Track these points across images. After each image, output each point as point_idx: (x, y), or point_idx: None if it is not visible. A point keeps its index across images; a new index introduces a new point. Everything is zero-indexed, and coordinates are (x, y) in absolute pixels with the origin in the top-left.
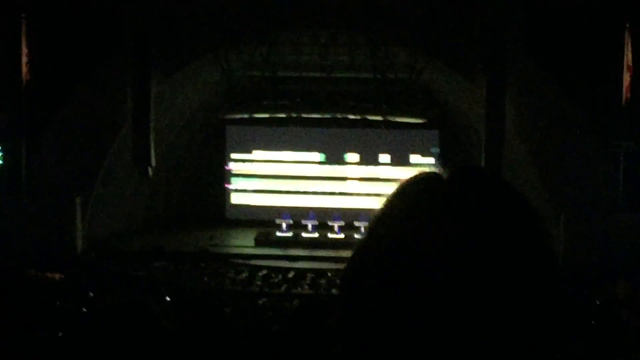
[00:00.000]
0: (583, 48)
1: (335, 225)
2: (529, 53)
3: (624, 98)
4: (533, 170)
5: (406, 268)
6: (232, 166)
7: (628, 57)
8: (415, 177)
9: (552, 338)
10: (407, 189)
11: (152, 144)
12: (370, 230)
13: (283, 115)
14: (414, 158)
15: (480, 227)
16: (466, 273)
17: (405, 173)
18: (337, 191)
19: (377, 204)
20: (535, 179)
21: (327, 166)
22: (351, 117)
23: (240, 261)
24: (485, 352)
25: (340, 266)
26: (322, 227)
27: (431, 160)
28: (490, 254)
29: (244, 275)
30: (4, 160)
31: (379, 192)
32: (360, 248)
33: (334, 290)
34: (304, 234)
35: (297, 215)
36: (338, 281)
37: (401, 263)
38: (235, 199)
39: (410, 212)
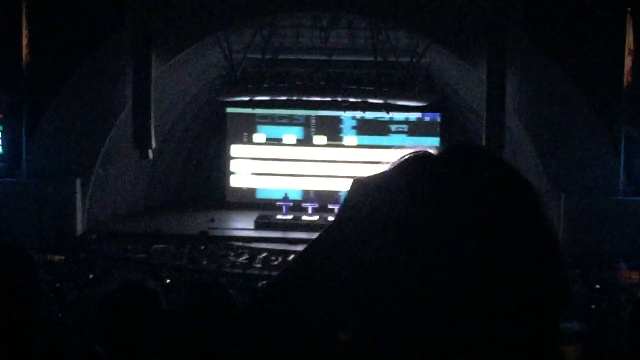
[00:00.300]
0: (584, 32)
1: (335, 208)
2: (530, 36)
3: (625, 82)
4: (534, 152)
5: (404, 241)
6: (232, 149)
7: (629, 41)
8: (409, 154)
9: (553, 313)
10: (402, 164)
11: (153, 127)
12: (358, 203)
13: (283, 98)
14: (415, 140)
15: (475, 199)
16: (461, 244)
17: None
18: (336, 174)
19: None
20: (536, 162)
21: (327, 149)
22: (352, 100)
23: (240, 244)
24: (482, 326)
25: None
26: (322, 210)
27: (434, 142)
28: (485, 226)
29: (244, 257)
30: (4, 142)
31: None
32: (353, 214)
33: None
34: (304, 217)
35: (297, 198)
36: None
37: (401, 236)
38: (235, 181)
39: (407, 187)
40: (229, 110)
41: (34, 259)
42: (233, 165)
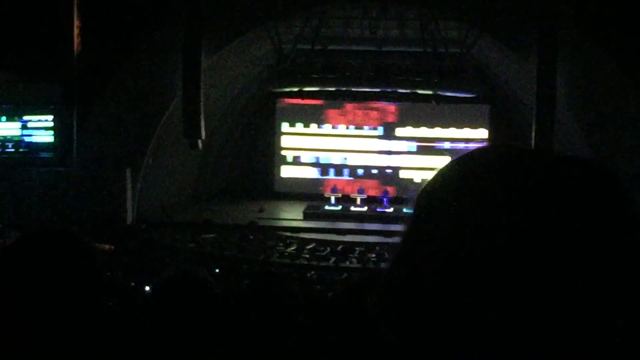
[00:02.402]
0: (633, 20)
1: (384, 198)
2: (581, 27)
3: None
4: (585, 146)
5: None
6: (282, 139)
7: None
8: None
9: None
10: (478, 166)
11: (202, 117)
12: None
13: (333, 89)
14: (465, 132)
15: (563, 199)
16: (552, 245)
17: (456, 147)
18: (386, 165)
19: (428, 177)
20: (587, 155)
21: (378, 140)
22: (401, 91)
23: (288, 234)
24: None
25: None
26: (371, 200)
27: (483, 133)
28: (576, 225)
29: (293, 248)
30: (56, 132)
31: (430, 166)
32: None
33: (382, 264)
34: (352, 208)
35: (346, 189)
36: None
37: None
38: (285, 172)
39: (498, 189)
40: (279, 100)
41: (96, 250)
42: (282, 155)
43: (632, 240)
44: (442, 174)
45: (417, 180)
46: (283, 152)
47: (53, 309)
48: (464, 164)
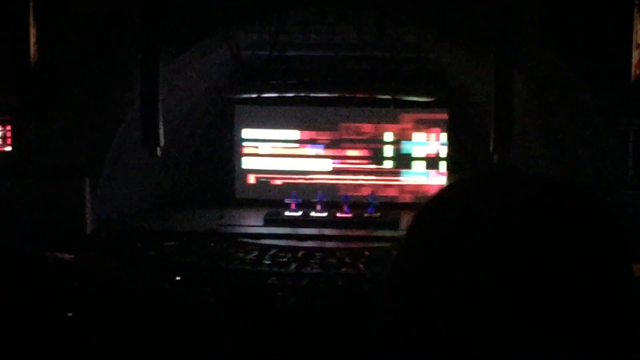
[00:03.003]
0: (592, 25)
1: (344, 203)
2: (538, 31)
3: (633, 75)
4: (542, 146)
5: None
6: (241, 146)
7: (637, 34)
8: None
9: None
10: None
11: (161, 124)
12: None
13: (292, 95)
14: (424, 136)
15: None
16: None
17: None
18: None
19: (388, 182)
20: (544, 156)
21: (338, 144)
22: (360, 96)
23: (249, 240)
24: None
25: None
26: (331, 206)
27: (442, 137)
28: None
29: (254, 254)
30: (13, 141)
31: (387, 170)
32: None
33: (343, 269)
34: (313, 213)
35: (306, 195)
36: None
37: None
38: (244, 178)
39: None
40: (238, 107)
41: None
42: (241, 162)
43: (619, 258)
44: (444, 194)
45: (378, 185)
46: (243, 159)
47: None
48: (466, 186)
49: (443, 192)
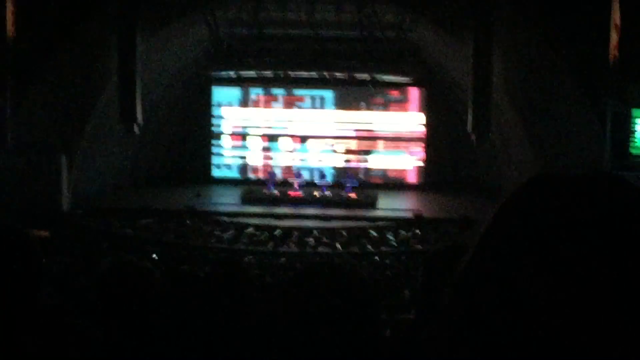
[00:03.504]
0: (571, 6)
1: (322, 183)
2: (516, 11)
3: (611, 57)
4: (520, 127)
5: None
6: (219, 124)
7: (616, 16)
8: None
9: None
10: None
11: (139, 101)
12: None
13: (270, 73)
14: (402, 116)
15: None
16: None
17: (392, 128)
18: (323, 150)
19: (364, 163)
20: (522, 137)
21: (315, 124)
22: (338, 75)
23: (226, 219)
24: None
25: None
26: (309, 185)
27: (420, 117)
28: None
29: (230, 233)
30: None
31: (366, 150)
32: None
33: (320, 248)
34: (290, 192)
35: (283, 174)
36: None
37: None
38: (222, 157)
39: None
40: (215, 85)
41: (36, 242)
42: (219, 139)
43: None
44: (528, 192)
45: (355, 165)
46: (221, 137)
47: None
48: (539, 191)
49: (526, 190)
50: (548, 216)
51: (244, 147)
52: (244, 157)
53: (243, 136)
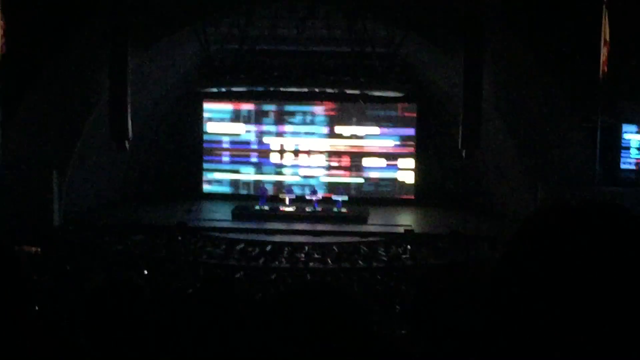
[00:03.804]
0: (561, 22)
1: (313, 199)
2: (507, 27)
3: (601, 72)
4: (510, 142)
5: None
6: (210, 139)
7: (605, 32)
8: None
9: None
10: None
11: (129, 117)
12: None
13: (261, 89)
14: (392, 131)
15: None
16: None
17: (384, 145)
18: (315, 165)
19: (357, 178)
20: (512, 151)
21: (307, 139)
22: (329, 90)
23: (217, 235)
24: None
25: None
26: (300, 200)
27: (411, 132)
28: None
29: (222, 248)
30: None
31: (358, 165)
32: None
33: (311, 264)
34: (281, 208)
35: (274, 189)
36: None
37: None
38: (213, 173)
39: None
40: (206, 100)
41: (24, 258)
42: (210, 155)
43: None
44: (548, 218)
45: (347, 180)
46: (210, 153)
47: None
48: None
49: (546, 216)
50: (559, 243)
51: (235, 163)
52: (236, 172)
53: (235, 153)
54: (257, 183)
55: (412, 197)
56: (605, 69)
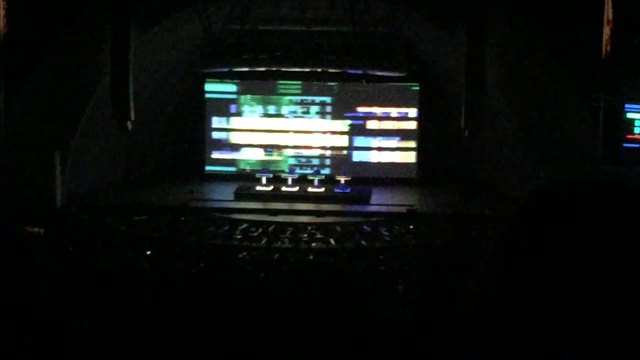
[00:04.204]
0: (564, 2)
1: (315, 179)
2: (509, 6)
3: (603, 52)
4: (513, 123)
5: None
6: (212, 120)
7: (608, 11)
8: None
9: None
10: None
11: (132, 98)
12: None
13: (263, 69)
14: (396, 111)
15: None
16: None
17: (387, 125)
18: (317, 145)
19: (359, 157)
20: (516, 132)
21: (308, 119)
22: (331, 70)
23: (220, 215)
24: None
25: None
26: (302, 180)
27: (413, 112)
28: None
29: (224, 229)
30: None
31: (362, 146)
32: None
33: (314, 244)
34: (284, 188)
35: (277, 169)
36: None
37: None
38: (215, 153)
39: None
40: (208, 81)
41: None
42: (212, 136)
43: None
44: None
45: (348, 160)
46: (212, 133)
47: None
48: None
49: (547, 194)
50: (560, 221)
51: (236, 145)
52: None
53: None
54: (260, 163)
55: (415, 177)
56: (608, 48)
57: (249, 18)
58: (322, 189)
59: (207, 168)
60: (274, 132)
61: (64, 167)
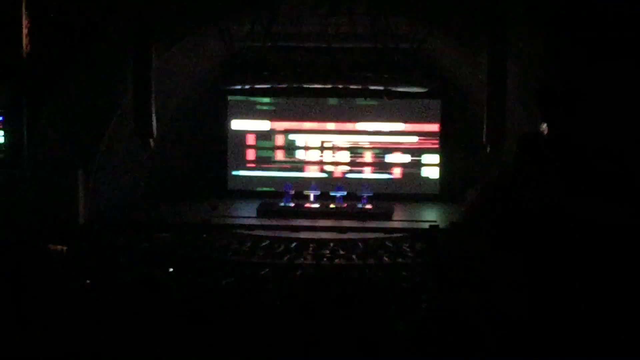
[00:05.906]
0: (585, 21)
1: (337, 195)
2: (532, 21)
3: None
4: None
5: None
6: (234, 137)
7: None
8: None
9: None
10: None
11: (154, 115)
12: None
13: (284, 86)
14: (417, 127)
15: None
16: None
17: (409, 141)
18: (339, 161)
19: (381, 174)
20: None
21: (330, 135)
22: (352, 87)
23: (242, 232)
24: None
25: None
26: (324, 197)
27: (434, 127)
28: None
29: (247, 245)
30: (5, 132)
31: (382, 161)
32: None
33: (336, 260)
34: (306, 205)
35: (299, 186)
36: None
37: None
38: (237, 170)
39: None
40: (230, 98)
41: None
42: (235, 151)
43: None
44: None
45: (370, 176)
46: (235, 150)
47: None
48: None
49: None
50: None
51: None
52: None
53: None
54: (282, 180)
55: (437, 192)
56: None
57: (270, 35)
58: (344, 205)
59: (230, 185)
60: (298, 149)
61: (87, 185)
